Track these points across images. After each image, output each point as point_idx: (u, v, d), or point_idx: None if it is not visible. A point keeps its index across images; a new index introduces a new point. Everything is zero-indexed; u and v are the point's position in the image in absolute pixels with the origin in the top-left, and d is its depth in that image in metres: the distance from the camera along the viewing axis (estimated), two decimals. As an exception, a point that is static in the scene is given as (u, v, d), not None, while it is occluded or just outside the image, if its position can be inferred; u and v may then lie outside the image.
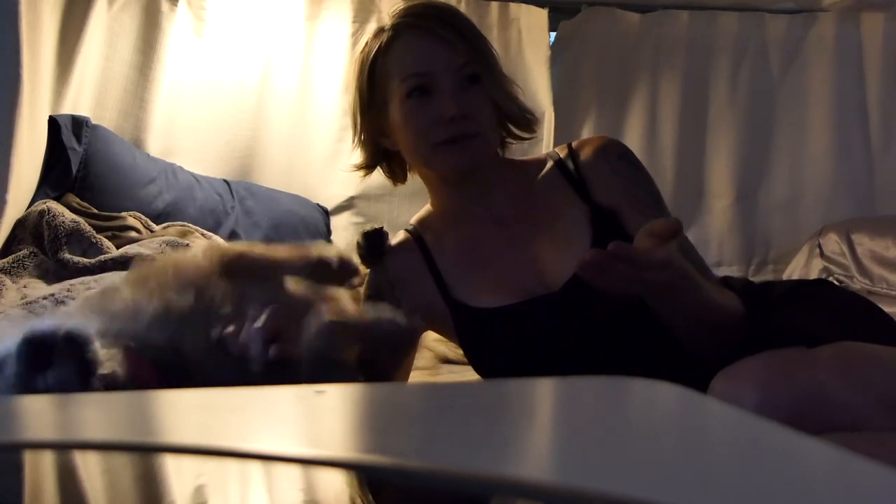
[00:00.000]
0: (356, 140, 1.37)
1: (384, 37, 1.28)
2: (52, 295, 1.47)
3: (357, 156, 1.39)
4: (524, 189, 1.33)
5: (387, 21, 1.30)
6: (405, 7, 1.30)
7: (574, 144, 1.35)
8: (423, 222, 1.38)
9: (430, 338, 1.55)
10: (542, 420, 0.59)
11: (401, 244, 1.36)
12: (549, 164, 1.34)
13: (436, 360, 1.62)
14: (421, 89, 1.25)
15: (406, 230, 1.38)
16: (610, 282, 1.04)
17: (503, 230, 1.31)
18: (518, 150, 1.47)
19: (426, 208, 1.40)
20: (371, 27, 2.03)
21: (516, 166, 1.37)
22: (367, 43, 1.32)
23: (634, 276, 1.02)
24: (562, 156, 1.34)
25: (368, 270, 1.34)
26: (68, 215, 1.87)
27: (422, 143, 1.27)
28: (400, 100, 1.26)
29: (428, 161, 1.31)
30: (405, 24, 1.27)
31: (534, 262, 1.27)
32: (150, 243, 1.85)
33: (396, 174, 1.39)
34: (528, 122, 1.33)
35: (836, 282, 2.46)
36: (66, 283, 1.55)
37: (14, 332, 1.29)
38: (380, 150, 1.35)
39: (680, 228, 1.05)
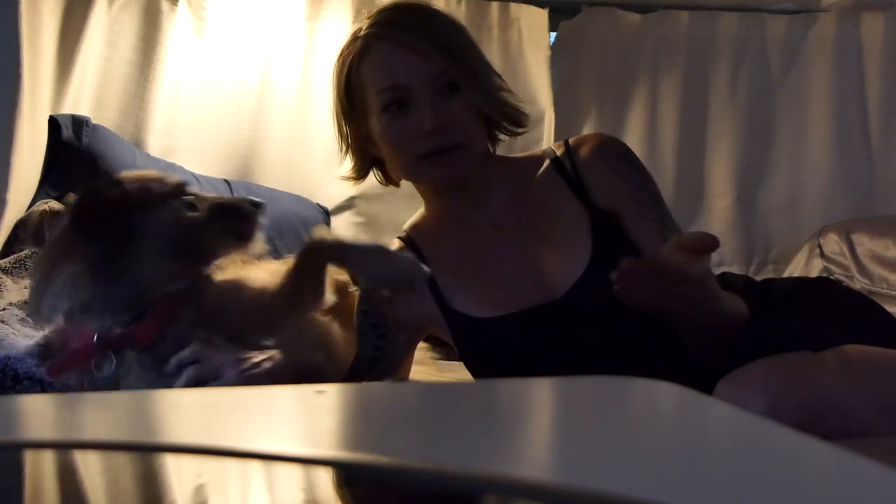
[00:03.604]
0: (343, 148, 1.34)
1: (357, 46, 1.24)
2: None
3: (348, 163, 1.36)
4: (521, 190, 1.30)
5: (362, 26, 1.26)
6: (377, 12, 1.26)
7: (571, 142, 1.31)
8: (417, 228, 1.35)
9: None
10: (542, 420, 0.59)
11: None
12: (546, 162, 1.30)
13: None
14: (397, 102, 1.21)
15: (400, 238, 1.36)
16: (643, 296, 1.01)
17: (501, 235, 1.28)
18: (519, 148, 1.46)
19: (420, 212, 1.37)
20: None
21: (511, 165, 1.34)
22: (342, 50, 1.28)
23: (669, 292, 1.00)
24: (559, 154, 1.30)
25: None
26: (70, 215, 1.87)
27: (403, 157, 1.24)
28: (377, 113, 1.23)
29: (411, 175, 1.28)
30: (375, 34, 1.23)
31: (534, 269, 1.24)
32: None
33: (390, 178, 1.36)
34: (516, 118, 1.29)
35: (835, 280, 2.45)
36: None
37: (17, 334, 1.30)
38: (368, 156, 1.32)
39: (717, 244, 1.00)
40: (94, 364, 1.10)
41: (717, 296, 1.06)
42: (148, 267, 1.12)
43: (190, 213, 1.17)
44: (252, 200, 1.21)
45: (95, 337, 1.10)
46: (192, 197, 1.19)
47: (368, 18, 1.26)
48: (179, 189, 1.18)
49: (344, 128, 1.31)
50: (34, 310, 1.14)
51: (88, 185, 1.13)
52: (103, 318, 1.10)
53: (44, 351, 1.21)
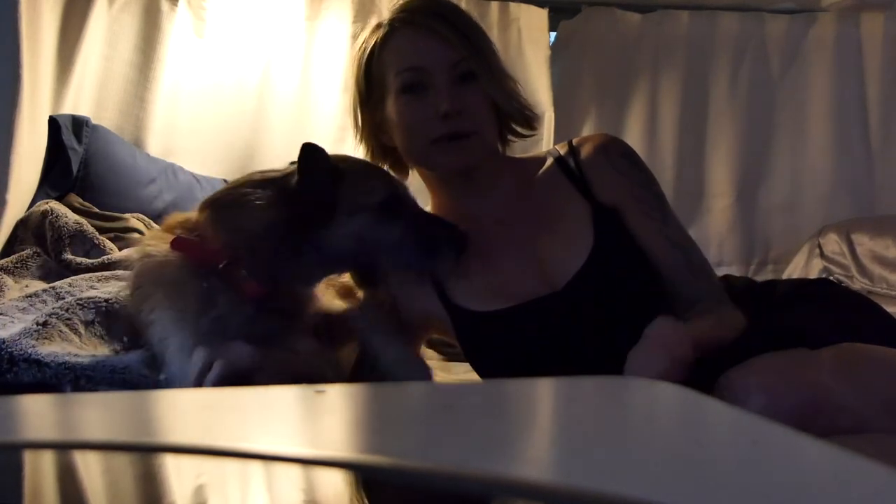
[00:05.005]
0: (357, 136, 1.36)
1: (381, 32, 1.27)
2: (53, 288, 1.48)
3: (360, 152, 1.38)
4: (525, 187, 1.31)
5: (385, 16, 1.29)
6: (403, 2, 1.29)
7: (575, 141, 1.33)
8: None
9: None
10: (543, 420, 0.59)
11: None
12: (550, 161, 1.32)
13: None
14: (415, 85, 1.23)
15: None
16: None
17: (504, 230, 1.29)
18: (519, 149, 1.47)
19: (426, 210, 1.39)
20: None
21: (516, 164, 1.35)
22: (364, 38, 1.31)
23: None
24: (562, 153, 1.32)
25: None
26: (71, 216, 1.87)
27: (416, 140, 1.25)
28: (394, 95, 1.25)
29: (423, 159, 1.29)
30: (401, 19, 1.26)
31: (536, 262, 1.25)
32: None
33: (400, 171, 1.37)
34: (527, 119, 1.31)
35: (837, 282, 2.45)
36: (68, 280, 1.55)
37: (15, 321, 1.30)
38: (380, 146, 1.34)
39: None
40: (207, 269, 1.15)
41: (713, 339, 1.10)
42: (317, 257, 1.18)
43: (390, 232, 1.20)
44: (459, 236, 1.23)
45: (226, 260, 1.16)
46: (406, 209, 1.23)
47: (392, 10, 1.29)
48: (394, 199, 1.22)
49: (358, 115, 1.32)
50: (216, 197, 1.23)
51: (316, 162, 1.21)
52: (253, 251, 1.16)
53: (43, 330, 1.21)
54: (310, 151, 1.20)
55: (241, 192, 1.21)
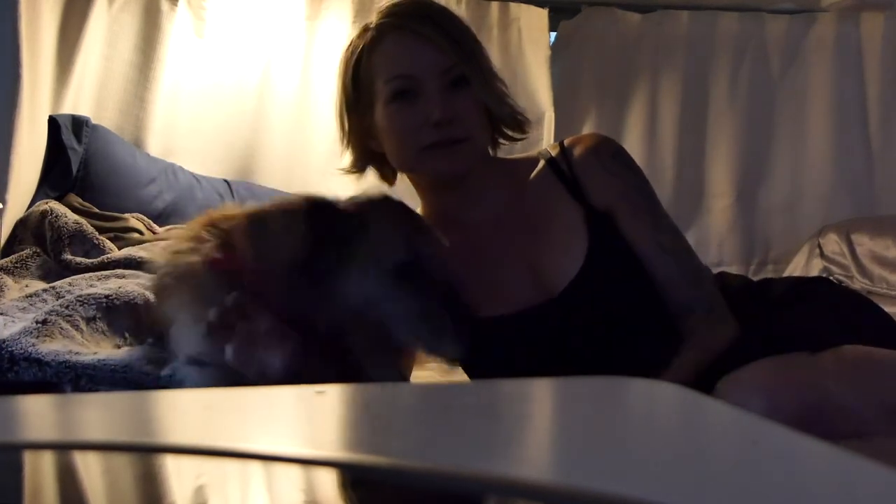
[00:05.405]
0: (343, 141, 1.33)
1: (368, 36, 1.24)
2: (53, 287, 1.48)
3: (347, 158, 1.36)
4: (517, 191, 1.30)
5: (373, 19, 1.26)
6: (391, 5, 1.26)
7: (566, 142, 1.31)
8: None
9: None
10: (542, 420, 0.59)
11: None
12: (542, 163, 1.31)
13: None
14: (406, 92, 1.21)
15: None
16: None
17: (497, 235, 1.28)
18: (519, 150, 1.46)
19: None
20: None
21: (508, 167, 1.34)
22: (351, 42, 1.28)
23: None
24: (554, 154, 1.30)
25: None
26: (71, 216, 1.87)
27: (407, 147, 1.23)
28: (384, 102, 1.23)
29: (414, 166, 1.28)
30: (390, 24, 1.23)
31: (530, 268, 1.24)
32: (153, 247, 1.84)
33: (388, 176, 1.36)
34: (519, 123, 1.30)
35: (835, 281, 2.45)
36: (68, 279, 1.55)
37: (15, 321, 1.30)
38: (367, 151, 1.32)
39: None
40: (233, 281, 1.11)
41: (700, 367, 1.10)
42: (321, 304, 1.11)
43: (396, 303, 1.10)
44: (465, 329, 1.10)
45: (255, 269, 1.10)
46: (423, 279, 1.12)
47: (379, 13, 1.26)
48: (411, 266, 1.11)
49: (346, 120, 1.31)
50: (256, 212, 1.17)
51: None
52: (272, 278, 1.11)
53: (43, 328, 1.21)
54: (310, 213, 1.11)
55: (274, 215, 1.16)
